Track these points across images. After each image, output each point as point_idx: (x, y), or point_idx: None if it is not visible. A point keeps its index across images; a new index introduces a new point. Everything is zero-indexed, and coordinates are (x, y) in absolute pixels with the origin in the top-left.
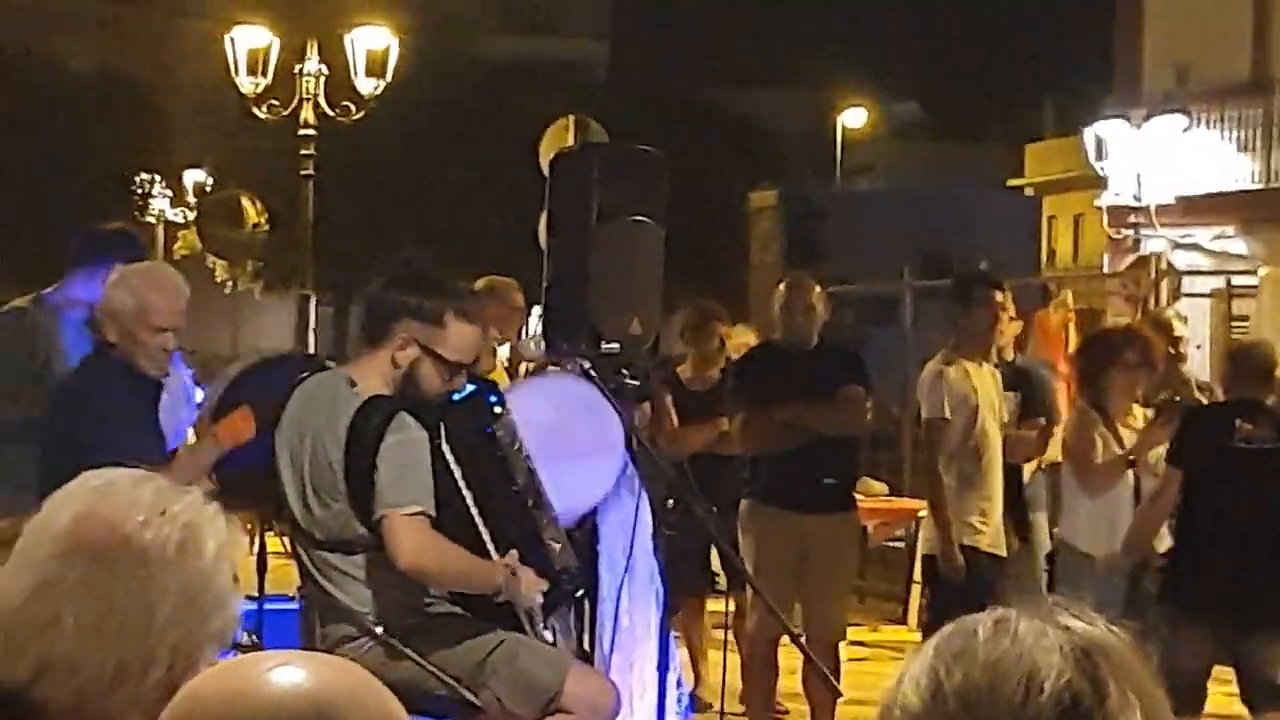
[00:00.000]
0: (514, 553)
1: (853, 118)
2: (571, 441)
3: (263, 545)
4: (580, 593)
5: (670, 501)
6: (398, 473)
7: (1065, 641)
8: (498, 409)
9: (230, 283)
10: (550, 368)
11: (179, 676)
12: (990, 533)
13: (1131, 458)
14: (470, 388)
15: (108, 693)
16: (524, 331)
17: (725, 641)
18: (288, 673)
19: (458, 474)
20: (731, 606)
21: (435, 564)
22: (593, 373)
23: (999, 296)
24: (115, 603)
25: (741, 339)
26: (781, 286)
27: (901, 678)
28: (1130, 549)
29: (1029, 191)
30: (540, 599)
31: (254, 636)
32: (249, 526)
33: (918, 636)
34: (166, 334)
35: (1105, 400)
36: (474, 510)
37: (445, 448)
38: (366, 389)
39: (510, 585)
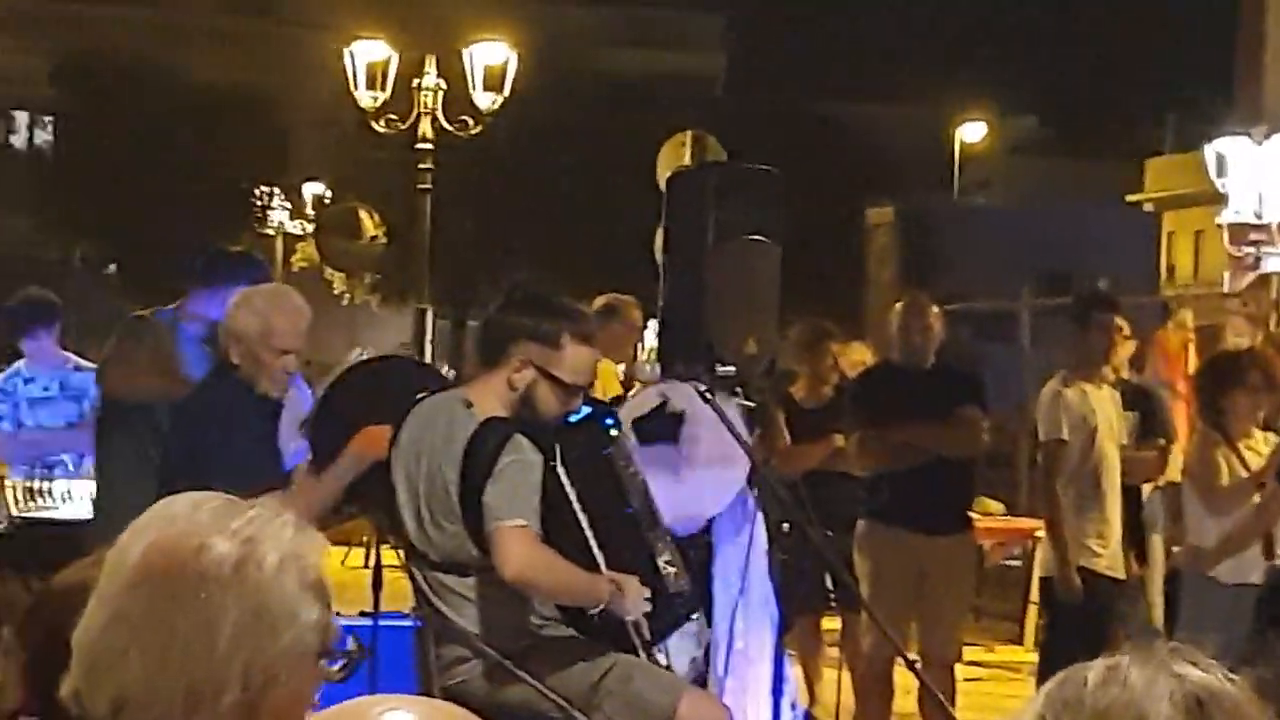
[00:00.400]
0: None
1: (971, 132)
2: (698, 452)
3: (378, 561)
4: (694, 615)
5: (785, 525)
6: (509, 489)
7: (1177, 689)
8: (613, 432)
9: (347, 295)
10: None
11: (257, 696)
12: (1108, 555)
13: (1261, 480)
14: (586, 410)
15: None
16: (639, 351)
17: (840, 661)
18: (397, 718)
19: (573, 496)
20: (840, 624)
21: (541, 575)
22: (708, 395)
23: (1115, 319)
24: (177, 630)
25: (856, 356)
26: (899, 306)
27: None
28: (1221, 555)
29: (1149, 207)
30: (644, 609)
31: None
32: (365, 540)
33: (1034, 657)
34: (288, 356)
35: (1227, 423)
36: (588, 533)
37: (560, 470)
38: (483, 410)
39: (615, 597)
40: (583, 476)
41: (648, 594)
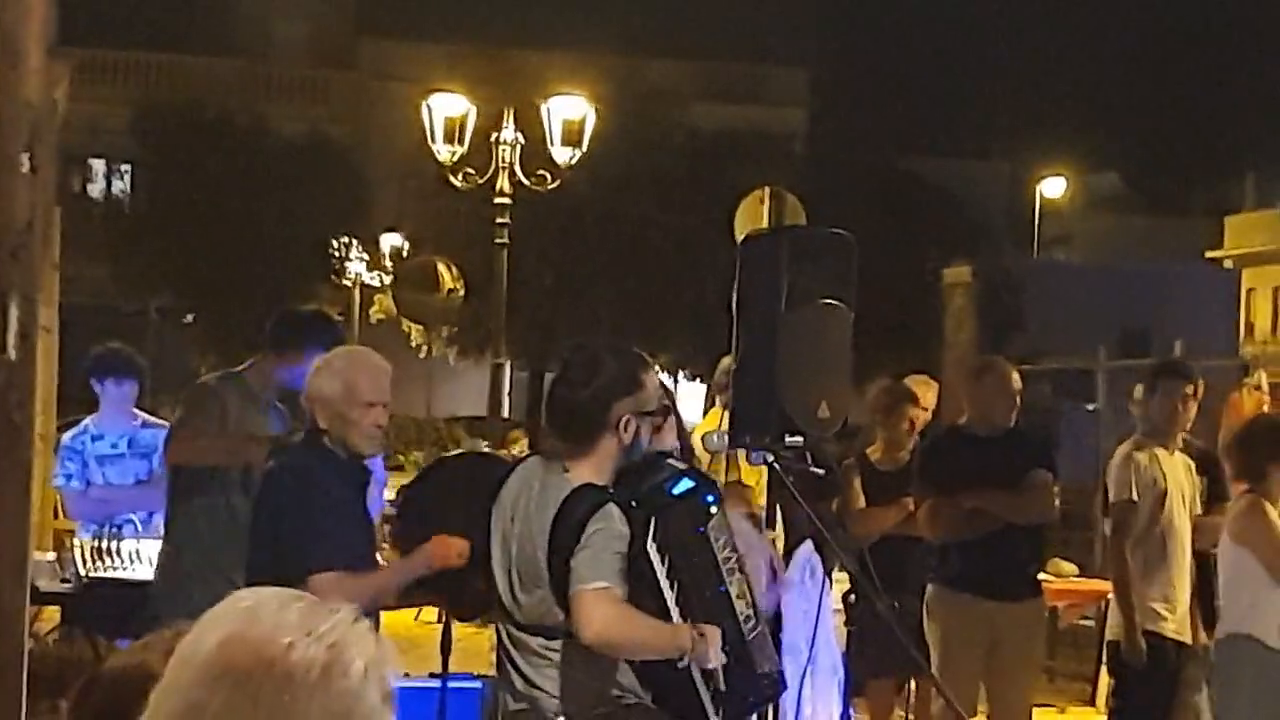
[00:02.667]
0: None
1: (1051, 188)
2: None
3: (448, 621)
4: (783, 692)
5: (853, 596)
6: (592, 555)
7: None
8: (713, 509)
9: (425, 347)
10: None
11: None
12: (1175, 619)
13: None
14: (689, 483)
15: None
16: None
17: None
18: None
19: (661, 574)
20: (913, 686)
21: (619, 633)
22: (777, 466)
23: (1185, 387)
24: None
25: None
26: (977, 370)
27: None
28: None
29: (1228, 264)
30: (723, 657)
31: None
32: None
33: (1104, 719)
34: (377, 409)
35: (1268, 488)
36: (674, 610)
37: (651, 545)
38: (579, 477)
39: (699, 644)
40: (679, 552)
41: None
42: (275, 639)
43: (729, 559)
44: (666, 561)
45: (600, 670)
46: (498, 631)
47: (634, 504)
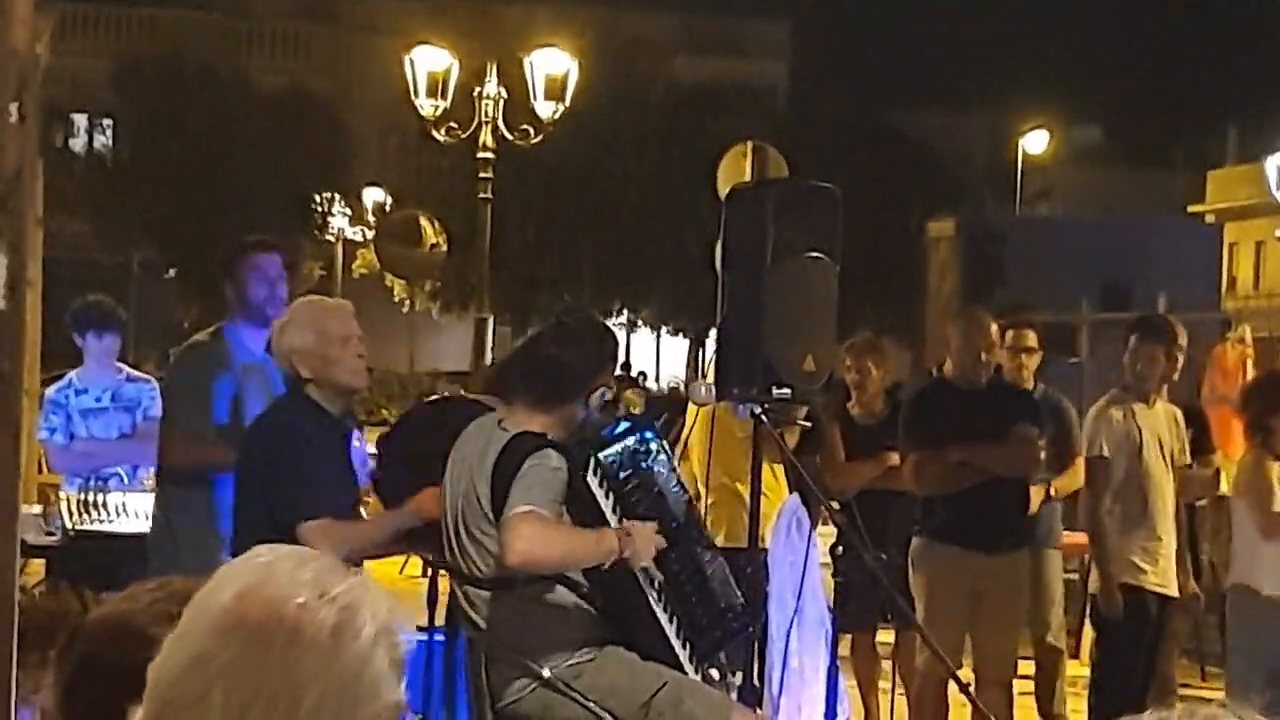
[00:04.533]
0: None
1: (1033, 142)
2: None
3: (434, 574)
4: (749, 630)
5: (840, 548)
6: (523, 486)
7: None
8: (654, 444)
9: (408, 302)
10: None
11: None
12: (1157, 571)
13: None
14: (625, 424)
15: None
16: (699, 372)
17: (893, 678)
18: None
19: (606, 508)
20: (895, 641)
21: (543, 550)
22: (764, 418)
23: (1167, 342)
24: (263, 684)
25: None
26: (959, 323)
27: None
28: None
29: (1210, 218)
30: (658, 546)
31: (422, 717)
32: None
33: (1088, 671)
34: (353, 341)
35: (1275, 442)
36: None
37: (593, 480)
38: (516, 427)
39: (627, 546)
40: (622, 490)
41: (662, 543)
42: (289, 597)
43: (675, 493)
44: (611, 499)
45: (570, 619)
46: (453, 596)
47: (573, 447)
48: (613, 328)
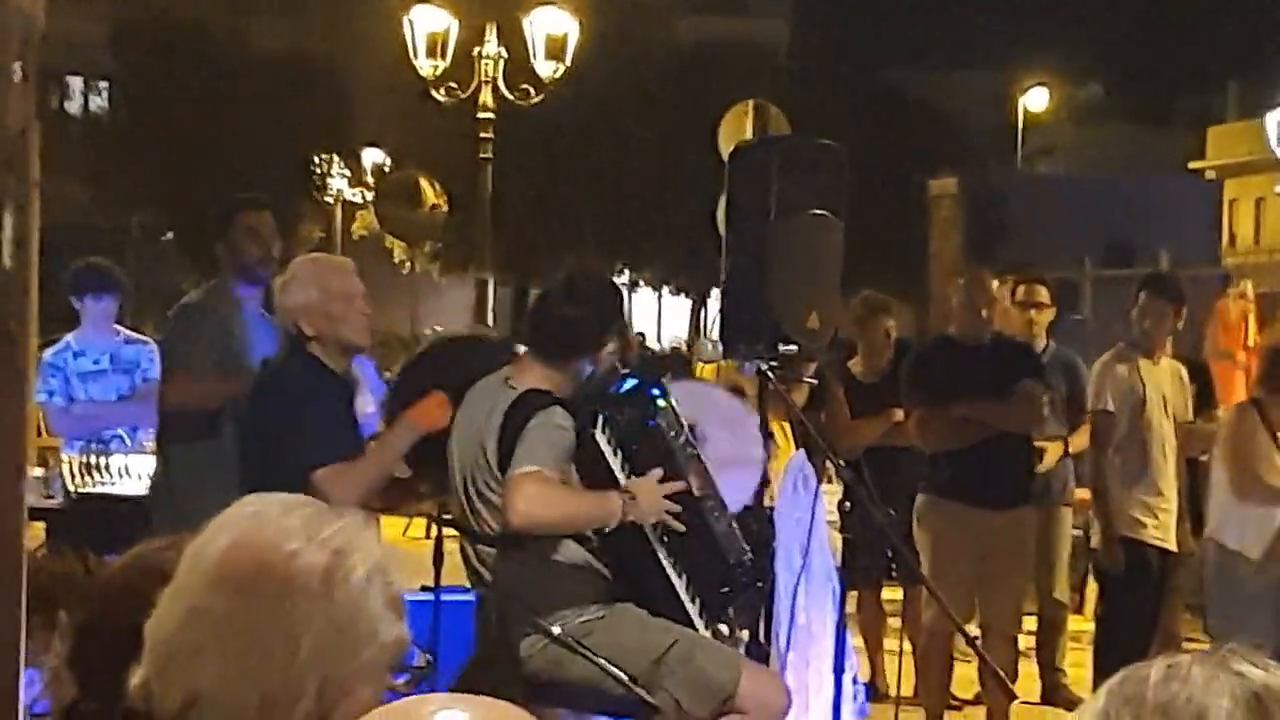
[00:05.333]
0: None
1: (1035, 99)
2: (710, 452)
3: (439, 534)
4: (758, 584)
5: (848, 504)
6: (528, 445)
7: (1237, 686)
8: (661, 402)
9: (408, 263)
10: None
11: (329, 707)
12: (1159, 526)
13: None
14: (633, 381)
15: None
16: (701, 331)
17: (901, 635)
18: (451, 717)
19: (615, 465)
20: (902, 597)
21: (545, 512)
22: (770, 375)
23: (1179, 299)
24: (259, 634)
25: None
26: (960, 281)
27: None
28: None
29: (1210, 175)
30: (667, 508)
31: (430, 655)
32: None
33: (1092, 626)
34: (357, 298)
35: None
36: None
37: (601, 438)
38: (526, 384)
39: (630, 508)
40: (630, 447)
41: (670, 506)
42: (278, 545)
43: (685, 450)
44: (619, 456)
45: (580, 576)
46: (465, 554)
47: (580, 404)
48: (619, 288)
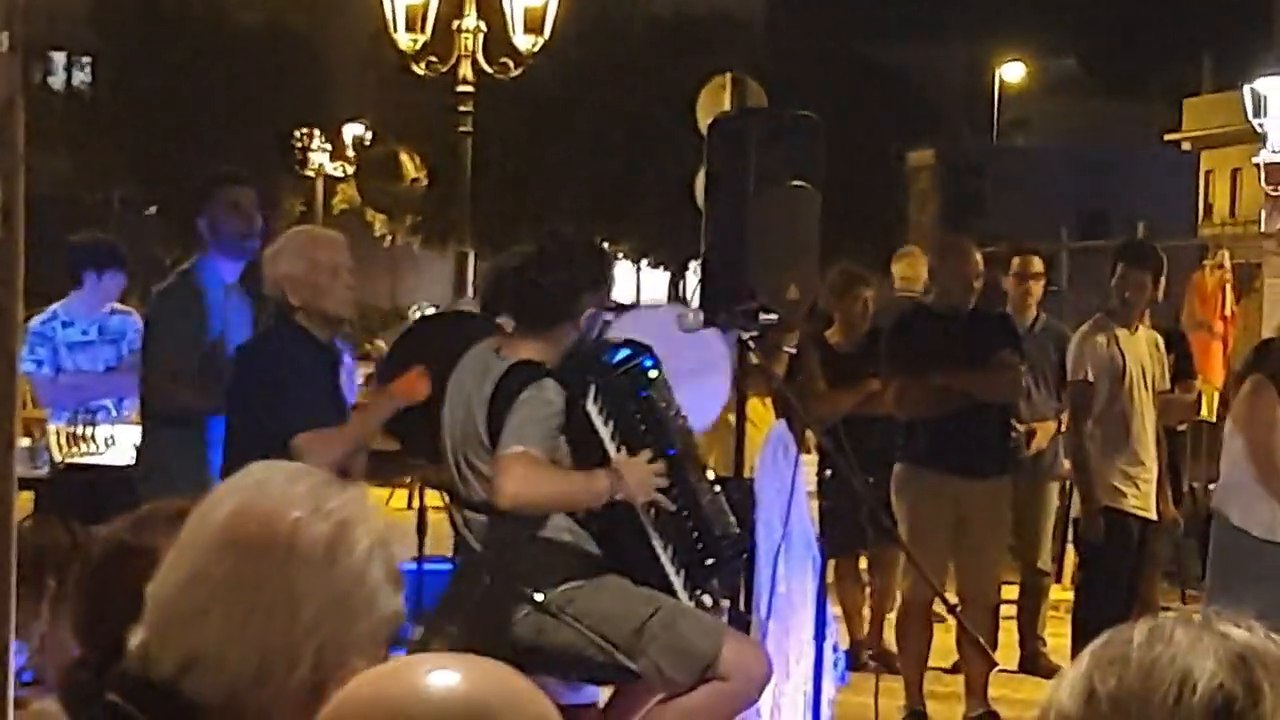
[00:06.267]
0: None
1: (1010, 72)
2: (676, 366)
3: (422, 505)
4: (743, 557)
5: (827, 472)
6: (517, 422)
7: (1220, 647)
8: (652, 373)
9: (389, 237)
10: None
11: (326, 676)
12: (1138, 495)
13: None
14: (625, 352)
15: (252, 690)
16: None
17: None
18: (443, 676)
19: (605, 435)
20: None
21: (533, 492)
22: (751, 344)
23: (1156, 268)
24: (261, 600)
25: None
26: (940, 250)
27: (1058, 684)
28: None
29: (1186, 146)
30: (657, 485)
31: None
32: (409, 482)
33: (1072, 596)
34: (343, 272)
35: None
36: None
37: (593, 409)
38: (516, 355)
39: (618, 485)
40: (621, 418)
41: (660, 482)
42: (283, 513)
43: (675, 421)
44: (610, 427)
45: (564, 545)
46: (453, 523)
47: (572, 375)
48: (603, 249)
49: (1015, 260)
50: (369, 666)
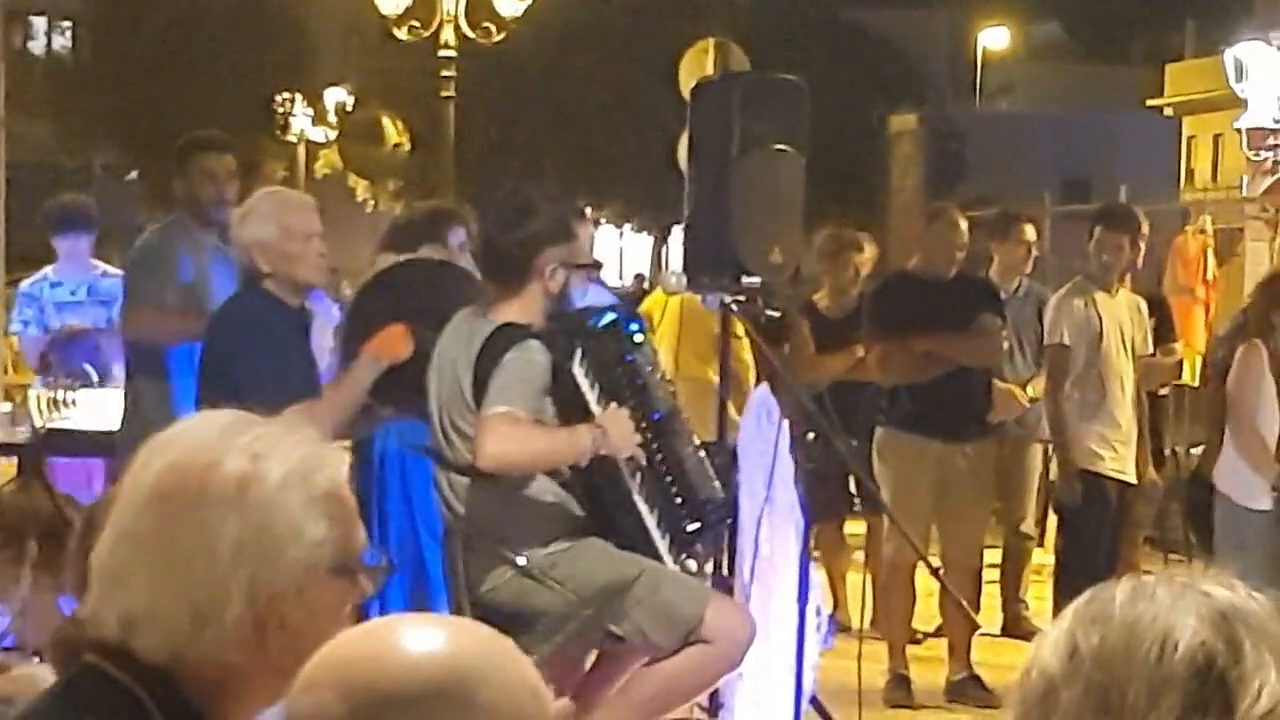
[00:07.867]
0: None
1: (993, 38)
2: None
3: None
4: (728, 521)
5: (811, 435)
6: (501, 383)
7: (1202, 604)
8: (638, 337)
9: (371, 201)
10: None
11: (264, 611)
12: (1115, 459)
13: None
14: (611, 315)
15: (194, 641)
16: (663, 268)
17: (865, 567)
18: (423, 637)
19: (591, 399)
20: (866, 529)
21: (514, 451)
22: (734, 306)
23: (1134, 231)
24: (180, 548)
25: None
26: (928, 217)
27: (1041, 641)
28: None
29: (1168, 112)
30: (637, 440)
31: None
32: None
33: (1052, 559)
34: (314, 239)
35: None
36: None
37: (578, 371)
38: (501, 317)
39: (600, 441)
40: (607, 381)
41: (638, 438)
42: (197, 459)
43: (659, 385)
44: (596, 389)
45: (548, 509)
46: (437, 485)
47: (557, 337)
48: (569, 204)
49: (1024, 227)
50: (319, 597)
